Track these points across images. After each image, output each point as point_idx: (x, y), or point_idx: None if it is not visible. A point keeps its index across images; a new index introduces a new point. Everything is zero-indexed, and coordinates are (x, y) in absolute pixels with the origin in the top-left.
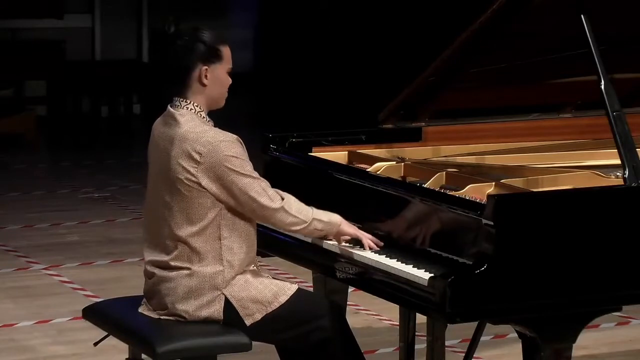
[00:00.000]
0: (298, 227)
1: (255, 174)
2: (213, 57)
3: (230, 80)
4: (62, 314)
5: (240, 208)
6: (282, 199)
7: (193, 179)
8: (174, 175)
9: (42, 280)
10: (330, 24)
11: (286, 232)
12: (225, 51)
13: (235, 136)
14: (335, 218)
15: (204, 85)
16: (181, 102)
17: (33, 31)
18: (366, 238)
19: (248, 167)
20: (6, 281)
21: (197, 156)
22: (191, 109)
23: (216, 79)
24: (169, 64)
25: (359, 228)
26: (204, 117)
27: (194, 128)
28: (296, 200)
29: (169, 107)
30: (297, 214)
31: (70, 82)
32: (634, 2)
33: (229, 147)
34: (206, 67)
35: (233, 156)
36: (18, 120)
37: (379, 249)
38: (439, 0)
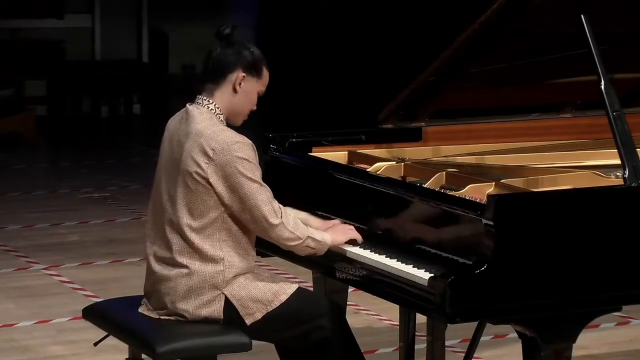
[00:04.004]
0: (294, 243)
1: (263, 183)
2: (254, 70)
3: (255, 104)
4: (62, 314)
5: (241, 215)
6: (281, 213)
7: (202, 174)
8: (185, 168)
9: (42, 280)
10: (330, 24)
11: (281, 246)
12: (265, 73)
13: (250, 141)
14: (326, 238)
15: (235, 91)
16: (204, 101)
17: (33, 31)
18: (358, 236)
19: (257, 173)
20: (6, 281)
21: (210, 152)
22: (211, 109)
23: (247, 91)
24: (212, 61)
25: (356, 227)
26: (222, 121)
27: (211, 126)
28: (293, 215)
29: (187, 105)
30: (294, 230)
31: (70, 82)
32: (634, 2)
33: (242, 149)
34: (244, 75)
35: (245, 159)
36: (18, 120)
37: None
38: (439, 0)
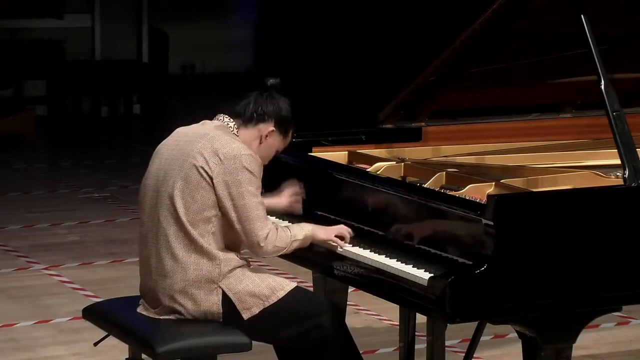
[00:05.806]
0: (280, 253)
1: (261, 199)
2: (283, 127)
3: (269, 159)
4: (62, 314)
5: (235, 224)
6: (268, 231)
7: (209, 171)
8: (191, 161)
9: (42, 280)
10: (330, 24)
11: None
12: (291, 135)
13: (259, 158)
14: (307, 231)
15: (260, 141)
16: (225, 118)
17: (33, 31)
18: (340, 242)
19: (259, 189)
20: (6, 281)
21: (222, 156)
22: (229, 127)
23: (270, 145)
24: (249, 105)
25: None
26: (236, 136)
27: (226, 135)
28: (274, 226)
29: (205, 120)
30: (279, 243)
31: (70, 82)
32: (634, 2)
33: (251, 161)
34: (273, 129)
35: (251, 172)
36: (18, 120)
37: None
38: (439, 0)
